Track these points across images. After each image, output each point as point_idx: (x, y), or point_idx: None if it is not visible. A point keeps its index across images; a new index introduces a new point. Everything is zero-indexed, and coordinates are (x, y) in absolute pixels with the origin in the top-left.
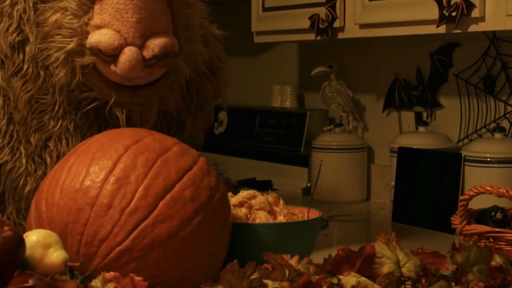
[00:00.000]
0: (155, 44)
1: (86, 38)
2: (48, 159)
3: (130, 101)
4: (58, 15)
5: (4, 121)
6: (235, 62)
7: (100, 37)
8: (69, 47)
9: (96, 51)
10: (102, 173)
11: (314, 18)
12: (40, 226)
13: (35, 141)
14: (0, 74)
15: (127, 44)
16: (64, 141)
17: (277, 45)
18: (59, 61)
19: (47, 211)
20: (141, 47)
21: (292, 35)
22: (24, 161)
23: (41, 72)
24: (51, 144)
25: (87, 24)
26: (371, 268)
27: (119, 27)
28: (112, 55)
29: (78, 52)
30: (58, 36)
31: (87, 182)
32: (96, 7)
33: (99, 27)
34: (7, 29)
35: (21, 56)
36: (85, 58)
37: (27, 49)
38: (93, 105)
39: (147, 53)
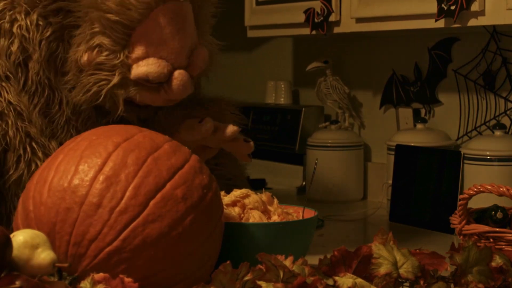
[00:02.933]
0: (200, 60)
1: (129, 70)
2: None
3: (152, 115)
4: (93, 54)
5: (18, 137)
6: (228, 57)
7: (148, 68)
8: (114, 81)
9: (142, 81)
10: (91, 171)
11: (309, 12)
12: (27, 226)
13: (54, 150)
14: (10, 91)
15: (174, 69)
16: None
17: (271, 40)
18: (103, 92)
19: (35, 210)
20: (186, 67)
21: (287, 29)
22: None
23: (46, 88)
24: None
25: (127, 57)
26: (368, 269)
27: (165, 55)
28: (161, 82)
29: (120, 85)
30: (95, 70)
31: (76, 181)
32: (134, 39)
33: (142, 58)
34: (9, 47)
35: (24, 74)
36: (129, 90)
37: (30, 65)
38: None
39: (194, 72)
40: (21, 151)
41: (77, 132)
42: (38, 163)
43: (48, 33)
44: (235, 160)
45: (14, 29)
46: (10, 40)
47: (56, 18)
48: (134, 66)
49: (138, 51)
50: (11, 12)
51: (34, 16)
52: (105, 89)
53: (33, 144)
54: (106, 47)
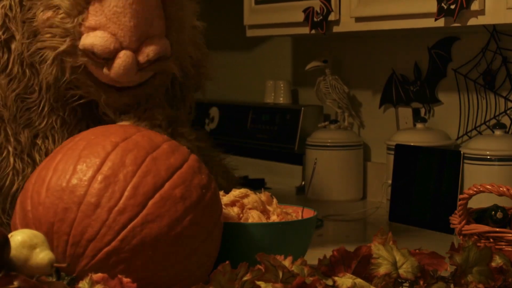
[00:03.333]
0: (150, 49)
1: (79, 39)
2: (38, 157)
3: (118, 101)
4: (49, 13)
5: None
6: (227, 56)
7: (95, 40)
8: (62, 48)
9: (89, 52)
10: (89, 171)
11: (308, 11)
12: (25, 226)
13: (25, 138)
14: None
15: (122, 48)
16: (50, 138)
17: (270, 39)
18: (49, 61)
19: (33, 210)
20: (135, 51)
21: (286, 28)
22: (11, 160)
23: (27, 71)
24: (38, 142)
25: (80, 24)
26: (367, 269)
27: (115, 30)
28: (106, 58)
29: (69, 53)
30: (49, 35)
31: (74, 181)
32: (91, 8)
33: (93, 28)
34: None
35: (6, 55)
36: (77, 59)
37: (13, 46)
38: (80, 101)
39: (142, 58)
40: None
41: (62, 124)
42: (10, 149)
43: (32, 13)
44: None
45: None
46: None
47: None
48: (84, 35)
49: (92, 21)
50: None
51: None
52: (53, 54)
53: (7, 129)
54: (63, 9)
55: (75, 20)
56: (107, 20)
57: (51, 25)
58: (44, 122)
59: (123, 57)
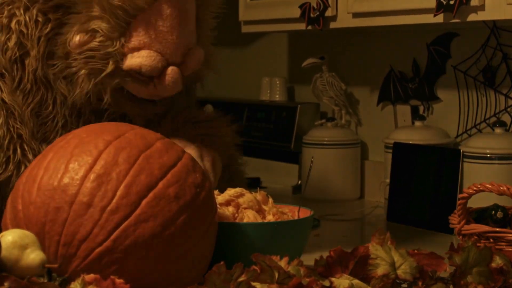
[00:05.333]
0: (194, 61)
1: (121, 60)
2: None
3: (151, 112)
4: (85, 36)
5: (8, 137)
6: (222, 53)
7: (142, 60)
8: (107, 70)
9: (133, 72)
10: (81, 170)
11: (305, 7)
12: (16, 225)
13: None
14: (4, 89)
15: (168, 64)
16: None
17: (266, 35)
18: (91, 84)
19: (24, 210)
20: (179, 64)
21: (282, 24)
22: None
23: (41, 86)
24: None
25: (123, 45)
26: (365, 270)
27: (160, 49)
28: (151, 76)
29: (112, 75)
30: (86, 57)
31: (66, 180)
32: (134, 28)
33: (138, 49)
34: (5, 43)
35: (19, 71)
36: (119, 80)
37: (27, 62)
38: (112, 117)
39: (186, 71)
40: (11, 152)
41: None
42: (28, 165)
43: (47, 30)
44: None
45: (12, 25)
46: (8, 36)
47: (56, 15)
48: (129, 56)
49: (135, 41)
50: (10, 6)
51: (34, 12)
52: (98, 78)
53: (24, 145)
54: (102, 32)
55: (117, 42)
56: (152, 40)
57: (89, 49)
58: (58, 135)
59: (172, 73)
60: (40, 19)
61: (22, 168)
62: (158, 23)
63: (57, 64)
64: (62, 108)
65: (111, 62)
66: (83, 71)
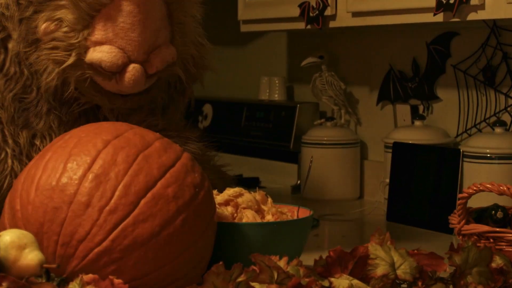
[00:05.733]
0: (158, 61)
1: (85, 52)
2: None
3: (123, 106)
4: (52, 25)
5: None
6: (221, 52)
7: (103, 55)
8: (68, 62)
9: (96, 66)
10: (80, 169)
11: (304, 6)
12: (14, 225)
13: (23, 139)
14: None
15: (130, 61)
16: (48, 138)
17: (265, 35)
18: (53, 74)
19: (22, 210)
20: (143, 62)
21: (281, 23)
22: (10, 162)
23: (25, 70)
24: (37, 142)
25: (86, 39)
26: (364, 270)
27: (123, 45)
28: (114, 72)
29: (74, 66)
30: (51, 47)
31: (64, 179)
32: (97, 22)
33: (100, 43)
34: None
35: (2, 55)
36: (82, 72)
37: (10, 46)
38: (82, 108)
39: (151, 69)
40: None
41: (59, 123)
42: (8, 151)
43: (29, 12)
44: None
45: None
46: None
47: None
48: (91, 49)
49: (98, 35)
50: None
51: None
52: (58, 69)
53: (5, 131)
54: (67, 23)
55: (81, 34)
56: (115, 35)
57: (54, 38)
58: (42, 122)
59: (132, 71)
60: (22, 1)
61: (2, 155)
62: (120, 20)
63: (30, 50)
64: (46, 93)
65: (73, 54)
66: (49, 61)
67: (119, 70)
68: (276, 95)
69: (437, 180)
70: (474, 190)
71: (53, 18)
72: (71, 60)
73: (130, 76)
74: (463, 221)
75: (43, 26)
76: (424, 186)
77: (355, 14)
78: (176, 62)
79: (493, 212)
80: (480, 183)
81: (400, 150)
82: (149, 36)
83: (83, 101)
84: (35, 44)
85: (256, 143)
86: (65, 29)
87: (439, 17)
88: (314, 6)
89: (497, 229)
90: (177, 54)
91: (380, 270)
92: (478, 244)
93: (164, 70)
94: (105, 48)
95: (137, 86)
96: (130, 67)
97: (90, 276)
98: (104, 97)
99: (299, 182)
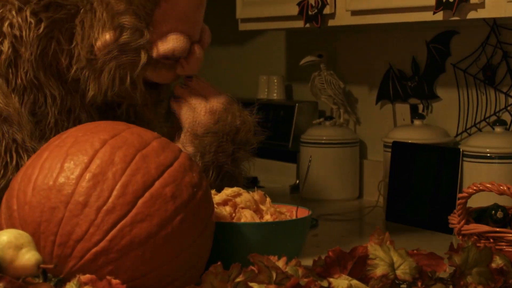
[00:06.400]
0: (207, 36)
1: (151, 48)
2: None
3: (157, 98)
4: (114, 34)
5: (4, 143)
6: (219, 51)
7: (174, 44)
8: (143, 61)
9: (163, 58)
10: (77, 169)
11: (303, 4)
12: (11, 225)
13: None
14: None
15: (193, 43)
16: None
17: (263, 33)
18: (128, 77)
19: (19, 209)
20: (199, 42)
21: (280, 22)
22: None
23: (33, 88)
24: None
25: (151, 33)
26: (364, 270)
27: (185, 29)
28: (179, 57)
29: (146, 64)
30: (117, 54)
31: (61, 179)
32: (157, 15)
33: (166, 33)
34: None
35: (14, 73)
36: (149, 69)
37: (19, 63)
38: (120, 111)
39: (204, 46)
40: (8, 158)
41: None
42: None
43: (41, 30)
44: None
45: (5, 28)
46: (0, 40)
47: (47, 13)
48: (159, 42)
49: (163, 27)
50: (1, 10)
51: (26, 13)
52: (136, 70)
53: (19, 150)
54: (129, 25)
55: (146, 32)
56: (177, 21)
57: (119, 44)
58: (52, 134)
59: (198, 50)
60: (32, 20)
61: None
62: (182, 6)
63: (83, 70)
64: (52, 107)
65: (143, 53)
66: (112, 67)
67: (186, 54)
68: (275, 94)
69: (436, 179)
70: (474, 189)
71: (114, 27)
72: (143, 58)
73: (197, 56)
74: (463, 221)
75: (106, 37)
76: (423, 185)
77: (354, 13)
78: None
79: (493, 212)
80: (480, 183)
81: (399, 150)
82: (203, 16)
83: (125, 103)
84: (89, 64)
85: None
86: (128, 31)
87: (439, 16)
88: (313, 4)
89: (497, 229)
90: None
91: (380, 270)
92: (478, 244)
93: None
94: (173, 36)
95: (201, 65)
96: (195, 48)
97: (88, 276)
98: (147, 91)
99: (298, 181)
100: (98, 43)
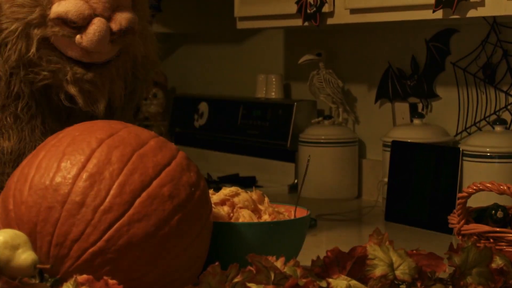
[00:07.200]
0: (123, 18)
1: (49, 8)
2: None
3: (85, 77)
4: None
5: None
6: (217, 49)
7: (69, 6)
8: (32, 16)
9: (60, 22)
10: (74, 168)
11: (301, 3)
12: (7, 225)
13: None
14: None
15: (95, 15)
16: (6, 135)
17: (261, 32)
18: (16, 33)
19: (15, 209)
20: (108, 19)
21: (278, 20)
22: None
23: None
24: None
25: None
26: (363, 270)
27: None
28: (78, 26)
29: (38, 24)
30: (14, 8)
31: (58, 179)
32: None
33: None
34: None
35: None
36: (46, 31)
37: None
38: (43, 83)
39: (115, 26)
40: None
41: (16, 121)
42: None
43: None
44: None
45: None
46: None
47: None
48: (55, 4)
49: None
50: None
51: None
52: (23, 24)
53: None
54: None
55: None
56: None
57: None
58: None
59: (98, 23)
60: None
61: None
62: None
63: None
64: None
65: (37, 10)
66: (13, 25)
67: (84, 24)
68: (273, 93)
69: (436, 179)
70: (474, 189)
71: None
72: (35, 14)
73: (96, 28)
74: (463, 221)
75: None
76: (423, 185)
77: (353, 11)
78: (137, 34)
79: (493, 211)
80: (480, 182)
81: (399, 149)
82: None
83: (42, 74)
84: None
85: (252, 141)
86: None
87: (439, 14)
88: (312, 3)
89: (497, 229)
90: (138, 26)
91: (379, 270)
92: (478, 244)
93: (127, 37)
94: (71, 0)
95: (101, 42)
96: (95, 20)
97: (85, 276)
98: (66, 64)
99: (296, 181)
100: None
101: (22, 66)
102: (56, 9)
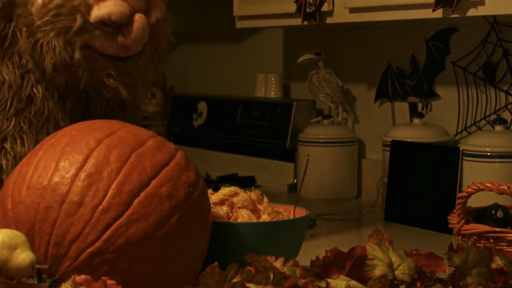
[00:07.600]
0: (158, 9)
1: (88, 13)
2: (4, 162)
3: (123, 70)
4: None
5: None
6: (216, 49)
7: (110, 8)
8: (76, 25)
9: (101, 24)
10: (72, 168)
11: (300, 2)
12: (5, 225)
13: None
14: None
15: (135, 12)
16: (19, 141)
17: (261, 31)
18: (61, 43)
19: (13, 209)
20: (145, 12)
21: (277, 19)
22: None
23: None
24: (7, 146)
25: None
26: (362, 270)
27: None
28: (120, 25)
29: (80, 30)
30: (50, 18)
31: (56, 178)
32: None
33: None
34: None
35: None
36: (88, 34)
37: None
38: (83, 83)
39: (151, 18)
40: None
41: (29, 126)
42: None
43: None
44: None
45: None
46: None
47: None
48: (95, 7)
49: None
50: None
51: None
52: (68, 36)
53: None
54: None
55: None
56: None
57: (54, 7)
58: (12, 124)
59: (140, 20)
60: None
61: None
62: None
63: (24, 45)
64: (10, 93)
65: (78, 17)
66: (51, 34)
67: (127, 22)
68: (272, 93)
69: (436, 179)
70: (474, 189)
71: None
72: (78, 22)
73: (139, 25)
74: (463, 221)
75: (39, 0)
76: (423, 185)
77: (353, 10)
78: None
79: (493, 211)
80: (480, 182)
81: (398, 149)
82: None
83: (81, 73)
84: (31, 33)
85: (251, 141)
86: None
87: (438, 13)
88: (311, 2)
89: (497, 229)
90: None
91: (378, 271)
92: (478, 245)
93: (158, 27)
94: (110, 2)
95: (144, 37)
96: (137, 17)
97: (83, 277)
98: (108, 62)
99: (295, 181)
100: (33, 9)
101: (61, 68)
102: (98, 13)
